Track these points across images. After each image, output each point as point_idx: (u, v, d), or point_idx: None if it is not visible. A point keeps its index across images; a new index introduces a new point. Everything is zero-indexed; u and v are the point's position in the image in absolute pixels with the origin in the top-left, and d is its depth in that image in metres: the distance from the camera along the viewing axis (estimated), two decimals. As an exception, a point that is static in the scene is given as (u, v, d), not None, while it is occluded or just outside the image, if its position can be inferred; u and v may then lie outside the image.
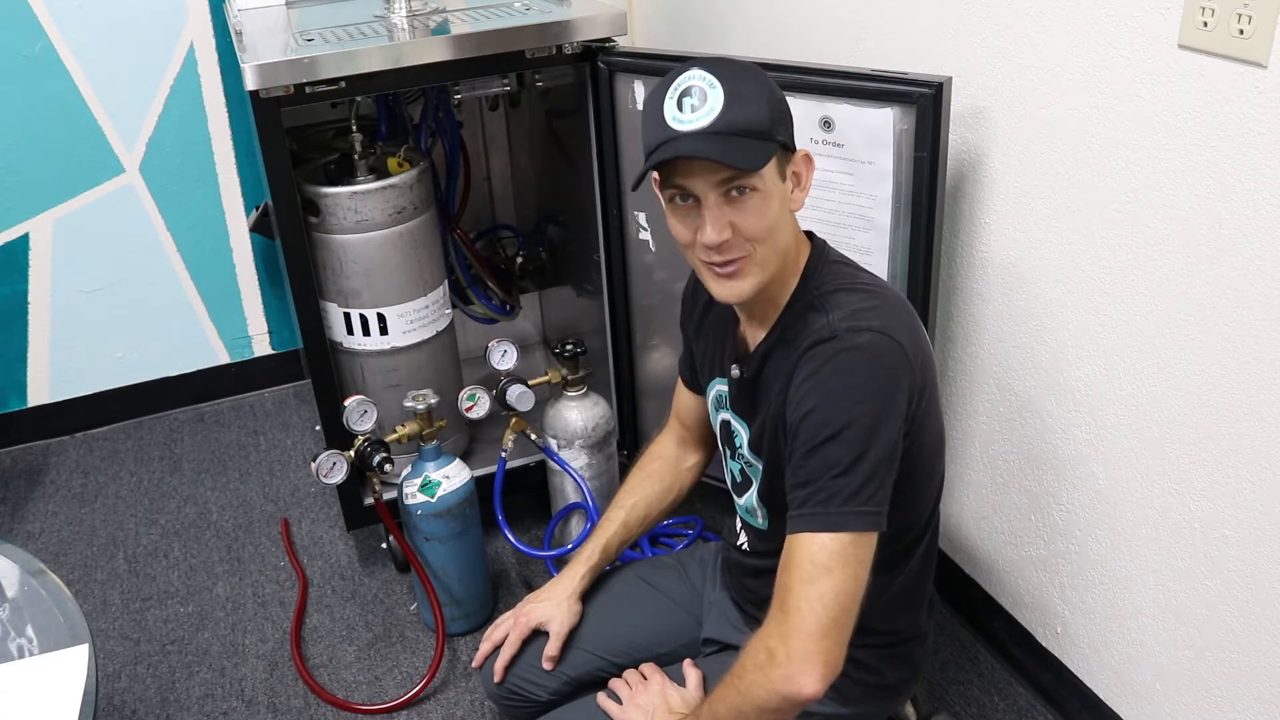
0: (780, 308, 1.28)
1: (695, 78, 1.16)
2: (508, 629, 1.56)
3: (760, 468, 1.34)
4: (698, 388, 1.52)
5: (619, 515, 1.59)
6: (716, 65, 1.18)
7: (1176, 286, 1.38)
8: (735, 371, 1.35)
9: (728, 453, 1.44)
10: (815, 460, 1.17)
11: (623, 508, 1.59)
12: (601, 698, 1.46)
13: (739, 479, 1.42)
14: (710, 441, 1.58)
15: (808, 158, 1.24)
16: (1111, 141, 1.42)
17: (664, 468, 1.62)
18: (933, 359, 1.28)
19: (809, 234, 1.33)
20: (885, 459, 1.17)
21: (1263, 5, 1.16)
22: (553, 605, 1.55)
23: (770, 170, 1.18)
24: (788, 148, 1.21)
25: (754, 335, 1.33)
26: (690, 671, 1.46)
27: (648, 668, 1.49)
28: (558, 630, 1.53)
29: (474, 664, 1.62)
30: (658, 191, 1.25)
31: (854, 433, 1.16)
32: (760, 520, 1.40)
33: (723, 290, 1.24)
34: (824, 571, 1.15)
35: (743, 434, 1.37)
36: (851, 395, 1.16)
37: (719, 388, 1.41)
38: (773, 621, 1.19)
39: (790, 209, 1.24)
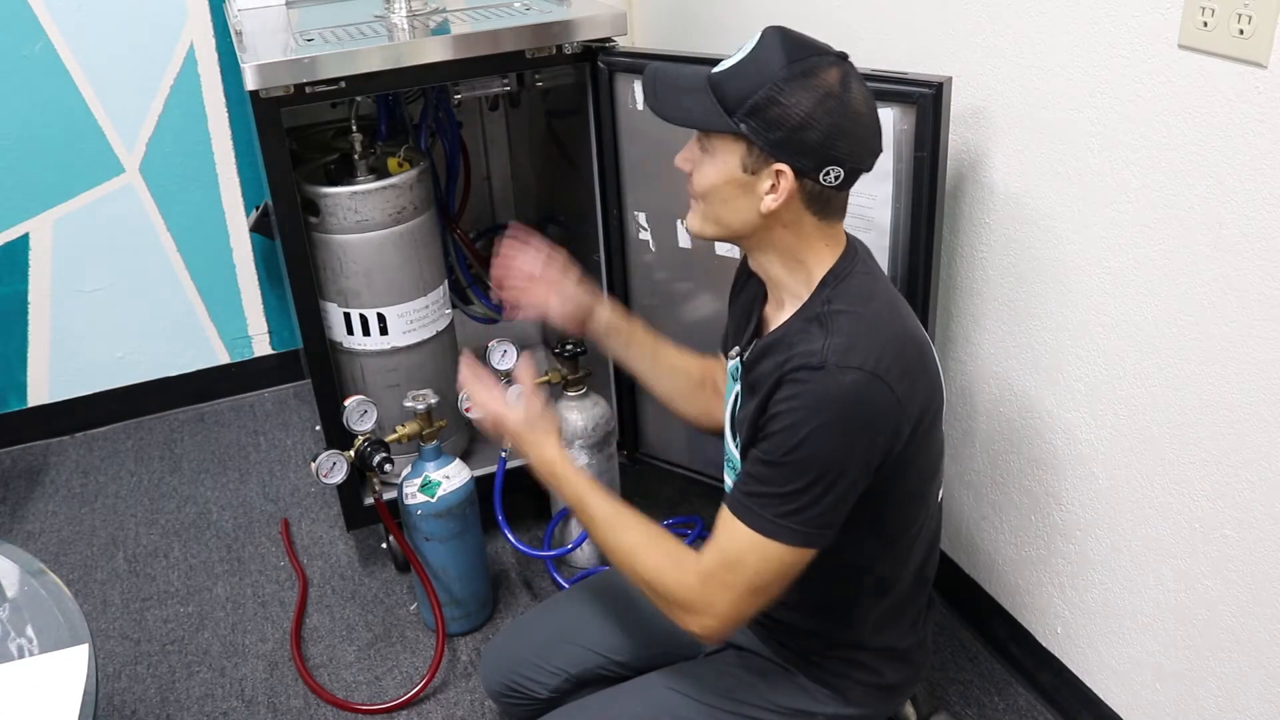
0: (798, 301, 1.27)
1: (760, 32, 1.20)
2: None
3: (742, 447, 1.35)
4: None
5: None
6: (777, 35, 1.18)
7: (1176, 287, 1.38)
8: (737, 353, 1.36)
9: (728, 424, 1.43)
10: (768, 470, 1.19)
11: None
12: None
13: (729, 459, 1.41)
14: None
15: (782, 174, 1.20)
16: (1111, 141, 1.42)
17: (704, 364, 1.62)
18: (938, 388, 1.27)
19: (850, 237, 1.30)
20: (837, 496, 1.18)
21: (1263, 5, 1.16)
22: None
23: (723, 148, 1.20)
24: (761, 147, 1.18)
25: (771, 319, 1.33)
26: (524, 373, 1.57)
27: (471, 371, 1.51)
28: (555, 311, 1.55)
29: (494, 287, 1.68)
30: None
31: (810, 467, 1.17)
32: None
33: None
34: (762, 582, 1.21)
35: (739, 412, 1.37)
36: (819, 433, 1.16)
37: (736, 359, 1.41)
38: (711, 591, 1.23)
39: (760, 208, 1.21)
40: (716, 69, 1.21)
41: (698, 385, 1.58)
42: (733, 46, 1.22)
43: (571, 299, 1.56)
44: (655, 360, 1.59)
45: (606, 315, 1.58)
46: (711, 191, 1.24)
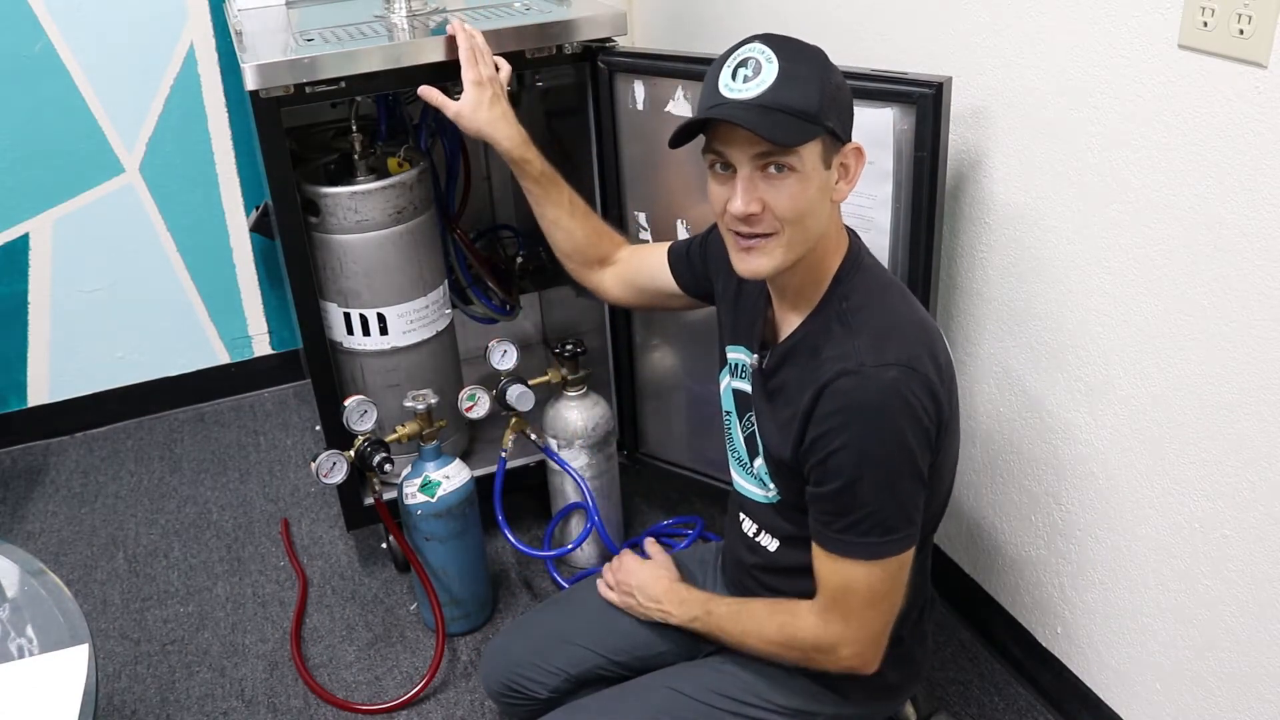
0: (811, 303, 1.27)
1: (754, 50, 1.17)
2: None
3: (764, 447, 1.35)
4: (684, 277, 1.57)
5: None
6: (778, 42, 1.18)
7: (1176, 286, 1.38)
8: (756, 360, 1.36)
9: (738, 416, 1.43)
10: (848, 497, 1.20)
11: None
12: (601, 587, 1.58)
13: (749, 446, 1.40)
14: (627, 297, 1.69)
15: (859, 151, 1.23)
16: (1111, 141, 1.42)
17: (608, 238, 1.70)
18: (954, 378, 1.29)
19: (849, 230, 1.31)
20: (915, 487, 1.22)
21: (1263, 5, 1.16)
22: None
23: (811, 154, 1.17)
24: (838, 137, 1.19)
25: (782, 322, 1.32)
26: (651, 547, 1.62)
27: (624, 553, 1.61)
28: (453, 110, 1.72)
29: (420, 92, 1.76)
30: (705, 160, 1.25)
31: (884, 472, 1.19)
32: (762, 491, 1.39)
33: (742, 264, 1.24)
34: (880, 597, 1.25)
35: (756, 413, 1.37)
36: (878, 435, 1.18)
37: (741, 356, 1.41)
38: (834, 625, 1.27)
39: (832, 199, 1.23)
40: (764, 92, 1.14)
41: (582, 250, 1.69)
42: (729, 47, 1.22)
43: (475, 102, 1.70)
44: (566, 201, 1.70)
45: (512, 116, 1.70)
46: (808, 208, 1.19)
